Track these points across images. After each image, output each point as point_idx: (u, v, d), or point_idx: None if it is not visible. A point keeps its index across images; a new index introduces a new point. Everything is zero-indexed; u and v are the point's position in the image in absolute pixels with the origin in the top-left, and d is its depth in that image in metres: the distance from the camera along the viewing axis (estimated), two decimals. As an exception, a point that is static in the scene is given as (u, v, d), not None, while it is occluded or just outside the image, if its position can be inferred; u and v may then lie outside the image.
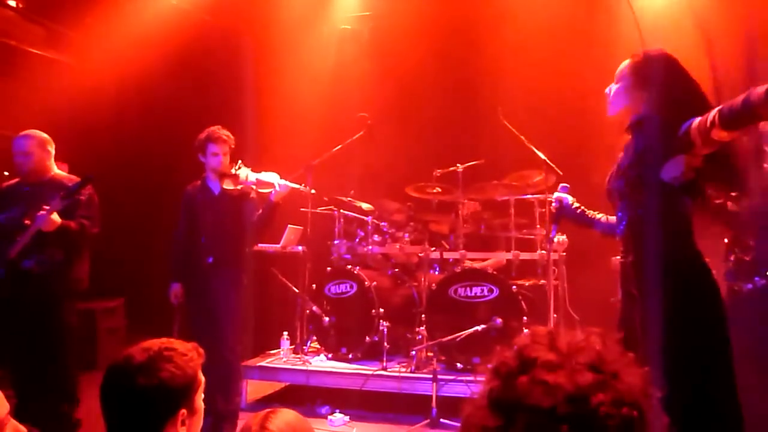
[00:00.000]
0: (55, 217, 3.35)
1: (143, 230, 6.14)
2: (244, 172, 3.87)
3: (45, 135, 3.69)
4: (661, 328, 1.98)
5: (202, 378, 1.59)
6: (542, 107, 5.10)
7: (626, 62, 2.30)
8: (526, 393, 0.74)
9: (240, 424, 3.93)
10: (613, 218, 2.45)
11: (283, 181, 3.87)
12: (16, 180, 3.67)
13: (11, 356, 3.49)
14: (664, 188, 2.08)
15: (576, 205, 2.63)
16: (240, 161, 3.95)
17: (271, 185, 3.86)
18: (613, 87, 2.33)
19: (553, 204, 2.67)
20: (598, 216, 2.56)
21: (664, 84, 2.10)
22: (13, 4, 5.60)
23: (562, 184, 2.74)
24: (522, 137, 4.33)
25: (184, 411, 1.51)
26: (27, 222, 3.35)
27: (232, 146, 3.93)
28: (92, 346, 5.89)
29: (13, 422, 1.53)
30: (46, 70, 5.81)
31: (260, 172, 3.93)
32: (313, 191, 4.21)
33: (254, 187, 3.90)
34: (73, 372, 3.61)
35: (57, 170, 3.72)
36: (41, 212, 3.29)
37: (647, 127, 2.13)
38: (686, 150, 2.01)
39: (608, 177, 2.35)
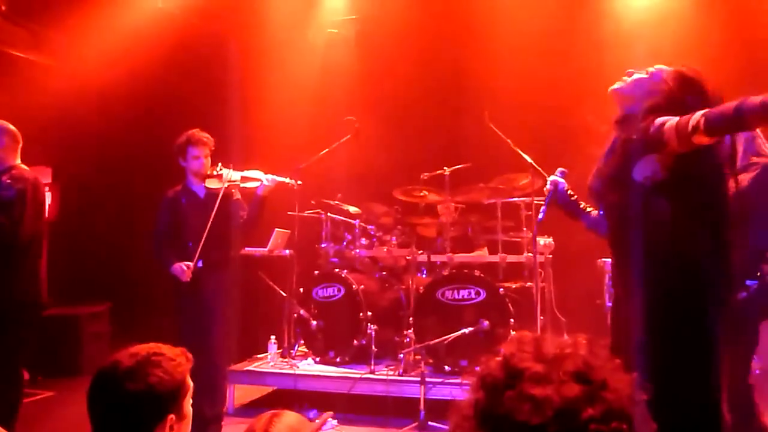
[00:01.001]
0: None
1: (128, 235, 6.09)
2: (227, 172, 3.83)
3: (12, 127, 3.53)
4: (643, 331, 1.96)
5: (191, 383, 1.59)
6: (528, 110, 5.13)
7: (665, 67, 2.14)
8: (513, 409, 0.73)
9: (225, 428, 3.92)
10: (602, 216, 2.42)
11: (269, 176, 3.85)
12: None
13: None
14: (639, 188, 2.01)
15: (570, 192, 2.56)
16: (220, 164, 3.90)
17: (258, 180, 3.83)
18: (638, 74, 2.18)
19: (547, 186, 2.60)
20: (589, 210, 2.51)
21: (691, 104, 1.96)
22: (-4, 6, 5.54)
23: (560, 169, 2.66)
24: (508, 140, 4.36)
25: (172, 416, 1.51)
26: None
27: (212, 148, 3.87)
28: (77, 351, 5.84)
29: None
30: (30, 72, 5.75)
31: (243, 170, 3.90)
32: (299, 182, 4.15)
33: (239, 183, 3.86)
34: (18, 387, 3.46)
35: (18, 163, 3.50)
36: None
37: (632, 123, 2.06)
38: (658, 149, 1.95)
39: (590, 176, 2.29)
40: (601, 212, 2.31)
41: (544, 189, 2.65)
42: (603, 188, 2.18)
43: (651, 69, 2.16)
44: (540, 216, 2.74)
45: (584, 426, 0.71)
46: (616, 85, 2.23)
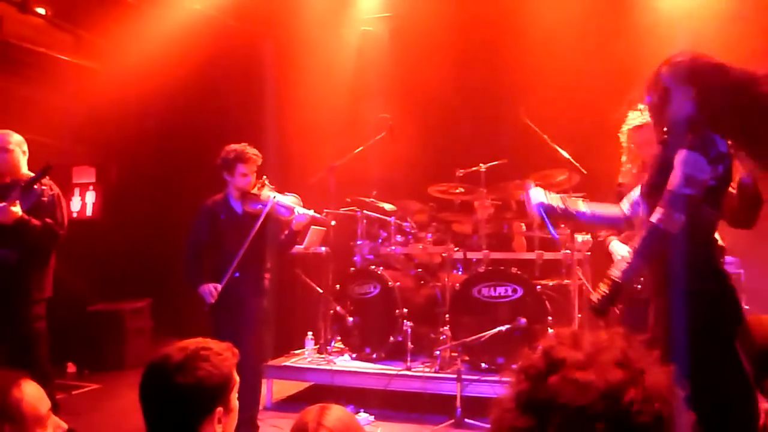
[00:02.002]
0: (16, 209, 3.31)
1: (168, 233, 6.23)
2: (266, 193, 3.74)
3: (18, 135, 3.64)
4: (679, 337, 1.98)
5: (237, 377, 1.61)
6: (565, 105, 5.05)
7: (663, 69, 2.19)
8: (558, 392, 0.74)
9: (264, 422, 3.98)
10: (596, 206, 2.54)
11: (303, 210, 3.71)
12: None
13: None
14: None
15: (557, 203, 2.51)
16: (265, 177, 3.84)
17: (291, 211, 3.70)
18: (649, 99, 2.23)
19: (536, 214, 2.53)
20: (581, 206, 2.51)
21: (708, 87, 2.06)
22: (42, 12, 5.72)
23: (528, 182, 2.65)
24: (545, 136, 4.30)
25: (220, 409, 1.53)
26: None
27: (260, 164, 3.82)
28: (120, 345, 6.01)
29: (54, 418, 1.57)
30: (74, 75, 5.93)
31: (283, 194, 3.80)
32: (333, 222, 3.97)
33: (271, 209, 3.71)
34: (49, 379, 3.50)
35: (26, 171, 3.63)
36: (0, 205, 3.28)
37: (677, 137, 2.09)
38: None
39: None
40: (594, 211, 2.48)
41: (537, 218, 2.65)
42: (645, 197, 2.23)
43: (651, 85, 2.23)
44: (556, 237, 2.75)
45: (627, 406, 0.72)
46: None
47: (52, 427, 1.55)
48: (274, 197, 3.73)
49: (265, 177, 3.86)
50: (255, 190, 3.79)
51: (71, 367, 5.68)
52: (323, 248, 5.04)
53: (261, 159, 3.81)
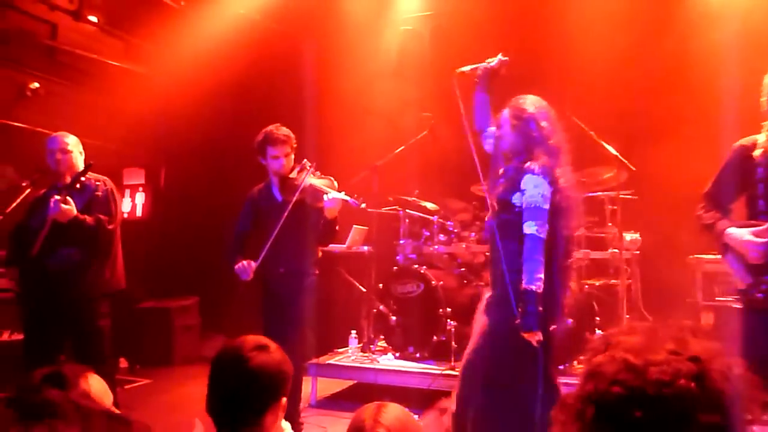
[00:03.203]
0: (71, 207, 3.39)
1: (215, 232, 6.35)
2: (303, 177, 3.57)
3: (75, 137, 3.74)
4: None
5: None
6: (611, 101, 4.93)
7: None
8: (601, 369, 0.77)
9: (308, 419, 4.02)
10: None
11: (334, 194, 3.48)
12: (43, 190, 3.73)
13: (53, 355, 3.48)
14: None
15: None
16: (306, 161, 3.68)
17: (323, 194, 3.50)
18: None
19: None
20: None
21: None
22: (94, 19, 5.93)
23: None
24: (591, 132, 4.20)
25: (285, 399, 1.55)
26: (48, 215, 3.40)
27: (294, 145, 3.66)
28: (169, 342, 6.16)
29: (116, 412, 1.62)
30: (124, 80, 6.12)
31: (321, 177, 3.65)
32: (363, 205, 3.65)
33: (303, 195, 3.56)
34: (112, 374, 3.64)
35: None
36: (53, 199, 3.37)
37: None
38: None
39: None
40: None
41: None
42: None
43: None
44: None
45: (681, 390, 0.72)
46: None
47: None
48: (308, 182, 3.54)
49: (306, 161, 3.67)
50: (294, 174, 3.62)
51: (123, 363, 5.86)
52: (366, 247, 5.06)
53: (293, 139, 3.64)
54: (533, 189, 2.63)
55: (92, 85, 5.98)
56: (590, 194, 4.62)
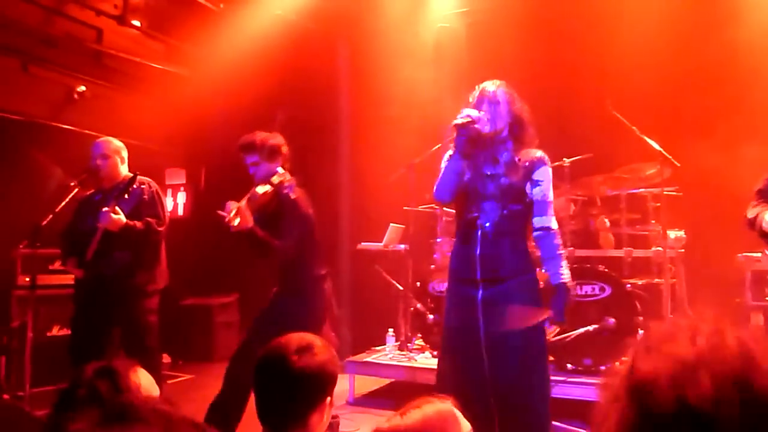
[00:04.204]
0: (120, 216, 3.49)
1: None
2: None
3: (119, 142, 3.83)
4: None
5: None
6: (653, 96, 4.81)
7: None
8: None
9: (345, 416, 4.04)
10: None
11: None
12: (90, 191, 3.85)
13: (100, 350, 3.57)
14: None
15: None
16: (280, 168, 3.60)
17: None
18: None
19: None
20: None
21: None
22: (137, 24, 6.08)
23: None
24: (634, 128, 4.10)
25: (330, 399, 1.55)
26: (99, 225, 3.52)
27: (263, 153, 3.65)
28: (209, 339, 6.29)
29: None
30: (166, 82, 6.26)
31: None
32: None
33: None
34: (159, 369, 3.75)
35: (127, 174, 3.76)
36: (102, 210, 3.47)
37: None
38: None
39: None
40: None
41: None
42: None
43: None
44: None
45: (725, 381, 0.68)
46: None
47: None
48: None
49: (279, 168, 3.59)
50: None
51: (166, 358, 6.00)
52: (402, 246, 5.06)
53: (265, 147, 3.62)
54: (547, 182, 2.65)
55: (135, 87, 6.14)
56: (633, 191, 4.52)
